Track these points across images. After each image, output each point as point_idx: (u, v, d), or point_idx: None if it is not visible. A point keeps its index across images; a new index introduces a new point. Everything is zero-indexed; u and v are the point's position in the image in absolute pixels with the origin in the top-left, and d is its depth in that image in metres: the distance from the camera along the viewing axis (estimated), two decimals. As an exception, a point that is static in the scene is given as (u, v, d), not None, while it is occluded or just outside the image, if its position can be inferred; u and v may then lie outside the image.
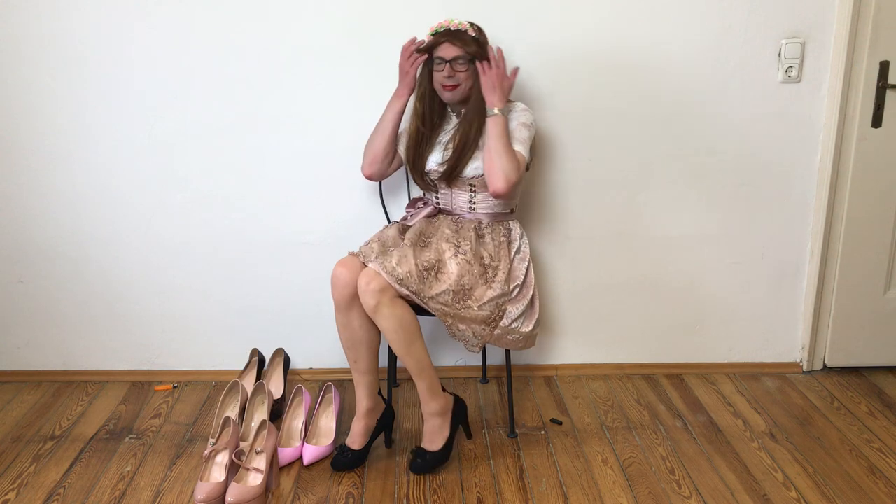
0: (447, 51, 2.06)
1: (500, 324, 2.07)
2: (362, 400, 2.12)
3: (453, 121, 2.20)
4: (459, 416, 2.13)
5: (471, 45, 2.06)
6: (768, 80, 2.40)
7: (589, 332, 2.65)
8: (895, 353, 2.63)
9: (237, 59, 2.35)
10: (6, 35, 2.32)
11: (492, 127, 2.04)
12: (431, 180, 2.21)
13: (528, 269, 2.16)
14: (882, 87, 2.38)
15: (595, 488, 2.02)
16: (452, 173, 2.14)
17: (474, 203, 2.19)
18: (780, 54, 2.38)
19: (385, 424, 2.18)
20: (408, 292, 1.97)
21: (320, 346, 2.62)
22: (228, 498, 1.90)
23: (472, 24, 2.10)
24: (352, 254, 2.09)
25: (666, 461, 2.14)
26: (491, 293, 2.05)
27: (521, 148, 2.08)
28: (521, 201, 2.47)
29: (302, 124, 2.41)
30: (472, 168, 2.13)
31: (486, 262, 2.09)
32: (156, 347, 2.63)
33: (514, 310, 2.09)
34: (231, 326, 2.60)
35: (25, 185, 2.46)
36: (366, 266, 2.00)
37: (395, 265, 1.97)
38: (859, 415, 2.38)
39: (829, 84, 2.41)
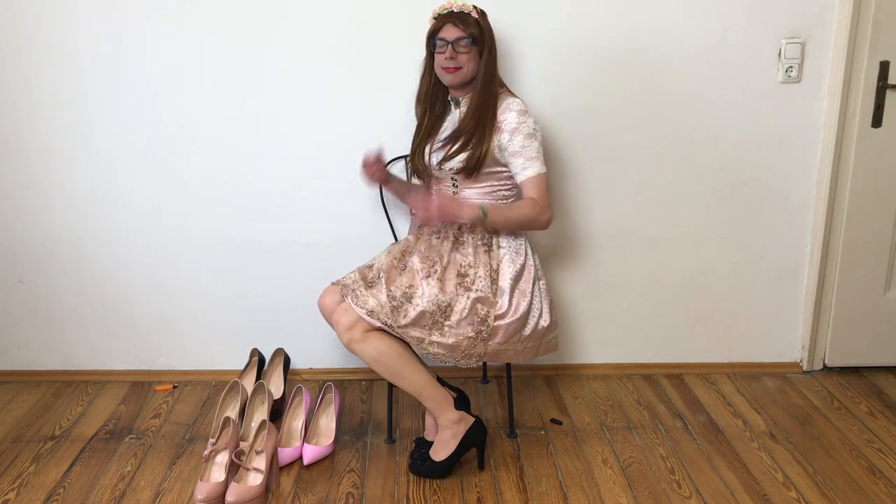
0: (449, 32, 2.01)
1: (489, 341, 2.00)
2: None
3: (454, 113, 2.13)
4: (474, 440, 2.07)
5: (473, 26, 2.01)
6: (768, 80, 2.40)
7: (588, 332, 2.65)
8: (895, 353, 2.63)
9: (238, 59, 2.35)
10: (7, 35, 2.32)
11: (493, 222, 2.01)
12: (427, 174, 2.18)
13: (518, 274, 2.06)
14: (882, 87, 2.38)
15: (595, 488, 2.02)
16: (440, 163, 2.09)
17: (458, 192, 2.12)
18: (780, 54, 2.38)
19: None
20: (379, 324, 1.94)
21: (320, 346, 2.62)
22: (228, 498, 1.90)
23: (475, 7, 2.05)
24: (333, 283, 2.10)
25: (666, 461, 2.14)
26: (466, 300, 1.98)
27: (534, 168, 2.01)
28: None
29: (303, 124, 2.41)
30: (456, 160, 2.06)
31: (463, 271, 2.04)
32: (156, 347, 2.63)
33: (499, 326, 2.00)
34: (231, 326, 2.60)
35: (26, 185, 2.46)
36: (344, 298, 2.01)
37: (367, 296, 1.97)
38: (859, 415, 2.38)
39: (829, 84, 2.41)
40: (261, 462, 2.02)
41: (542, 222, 2.04)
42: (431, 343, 1.96)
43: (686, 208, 2.52)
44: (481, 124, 2.02)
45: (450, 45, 2.01)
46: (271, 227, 2.50)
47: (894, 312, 2.59)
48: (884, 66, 2.36)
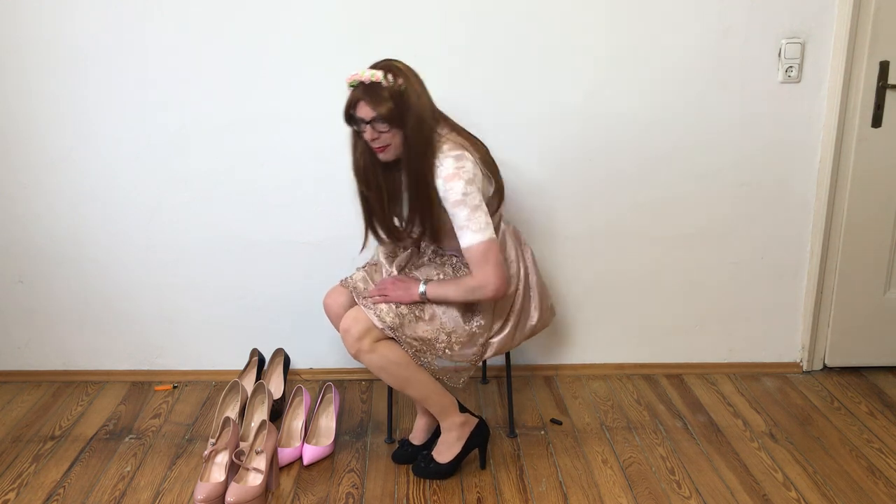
0: (363, 110, 1.83)
1: (485, 353, 2.03)
2: None
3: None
4: (477, 440, 2.07)
5: (387, 102, 1.80)
6: (768, 80, 2.40)
7: (589, 332, 2.65)
8: (895, 353, 2.63)
9: (238, 59, 2.35)
10: (6, 35, 2.32)
11: (433, 300, 1.93)
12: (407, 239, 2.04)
13: (515, 295, 2.03)
14: (882, 87, 2.38)
15: (595, 488, 2.02)
16: (435, 238, 1.99)
17: (439, 243, 2.08)
18: (780, 54, 2.38)
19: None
20: (384, 327, 1.90)
21: (320, 346, 2.62)
22: (228, 498, 1.90)
23: (386, 74, 1.81)
24: (342, 283, 2.08)
25: (666, 461, 2.14)
26: (469, 328, 1.97)
27: (465, 238, 1.84)
28: (519, 203, 2.47)
29: (302, 124, 2.41)
30: (414, 229, 1.96)
31: None
32: (156, 347, 2.63)
33: (495, 341, 2.03)
34: (231, 326, 2.60)
35: (26, 185, 2.46)
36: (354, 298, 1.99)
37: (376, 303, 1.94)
38: (859, 415, 2.38)
39: (829, 84, 2.41)
40: (261, 462, 2.02)
41: (486, 294, 1.87)
42: (430, 359, 1.97)
43: (686, 208, 2.52)
44: (421, 196, 1.87)
45: (368, 125, 1.84)
46: (271, 227, 2.50)
47: (894, 312, 2.59)
48: (884, 66, 2.36)
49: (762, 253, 2.57)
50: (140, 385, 2.61)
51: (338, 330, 2.02)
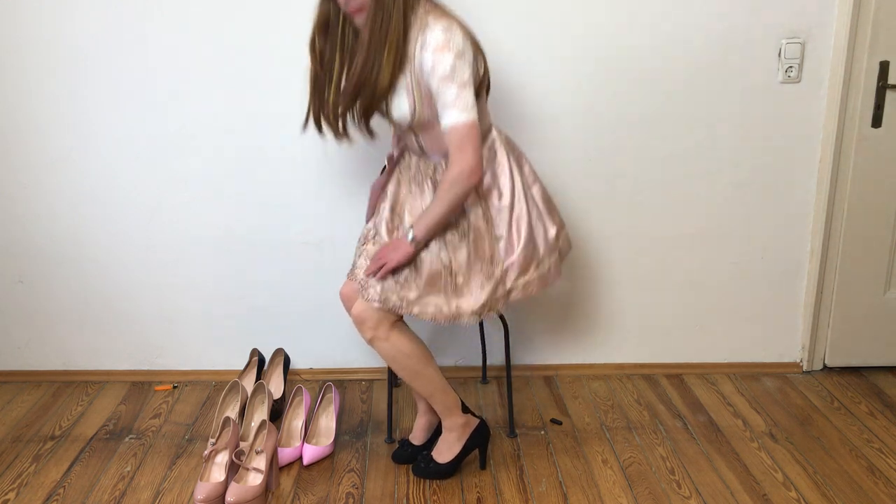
0: None
1: (507, 281, 1.89)
2: (422, 399, 2.13)
3: None
4: (477, 441, 2.07)
5: None
6: (768, 80, 2.40)
7: (589, 332, 2.65)
8: (895, 353, 2.63)
9: (239, 59, 2.35)
10: (6, 35, 2.32)
11: (430, 234, 1.83)
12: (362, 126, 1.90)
13: (510, 200, 1.89)
14: (882, 87, 2.38)
15: (595, 488, 2.02)
16: (364, 116, 1.83)
17: (422, 143, 1.91)
18: (780, 54, 2.38)
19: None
20: (392, 307, 1.86)
21: (320, 346, 2.62)
22: (228, 498, 1.91)
23: None
24: (349, 277, 2.06)
25: (666, 461, 2.14)
26: (466, 248, 1.86)
27: (449, 117, 1.72)
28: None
29: (302, 124, 2.41)
30: (398, 112, 1.80)
31: (454, 218, 1.86)
32: (156, 347, 2.63)
33: (511, 263, 1.89)
34: (231, 326, 2.60)
35: (26, 185, 2.46)
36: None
37: (374, 282, 1.89)
38: (859, 415, 2.38)
39: (829, 84, 2.41)
40: (261, 462, 2.02)
41: (464, 182, 1.76)
42: (456, 307, 1.87)
43: (686, 208, 2.52)
44: (372, 63, 1.73)
45: None
46: (271, 227, 2.50)
47: (894, 312, 2.59)
48: (884, 66, 2.36)
49: (762, 253, 2.58)
50: (140, 385, 2.61)
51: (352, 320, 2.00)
